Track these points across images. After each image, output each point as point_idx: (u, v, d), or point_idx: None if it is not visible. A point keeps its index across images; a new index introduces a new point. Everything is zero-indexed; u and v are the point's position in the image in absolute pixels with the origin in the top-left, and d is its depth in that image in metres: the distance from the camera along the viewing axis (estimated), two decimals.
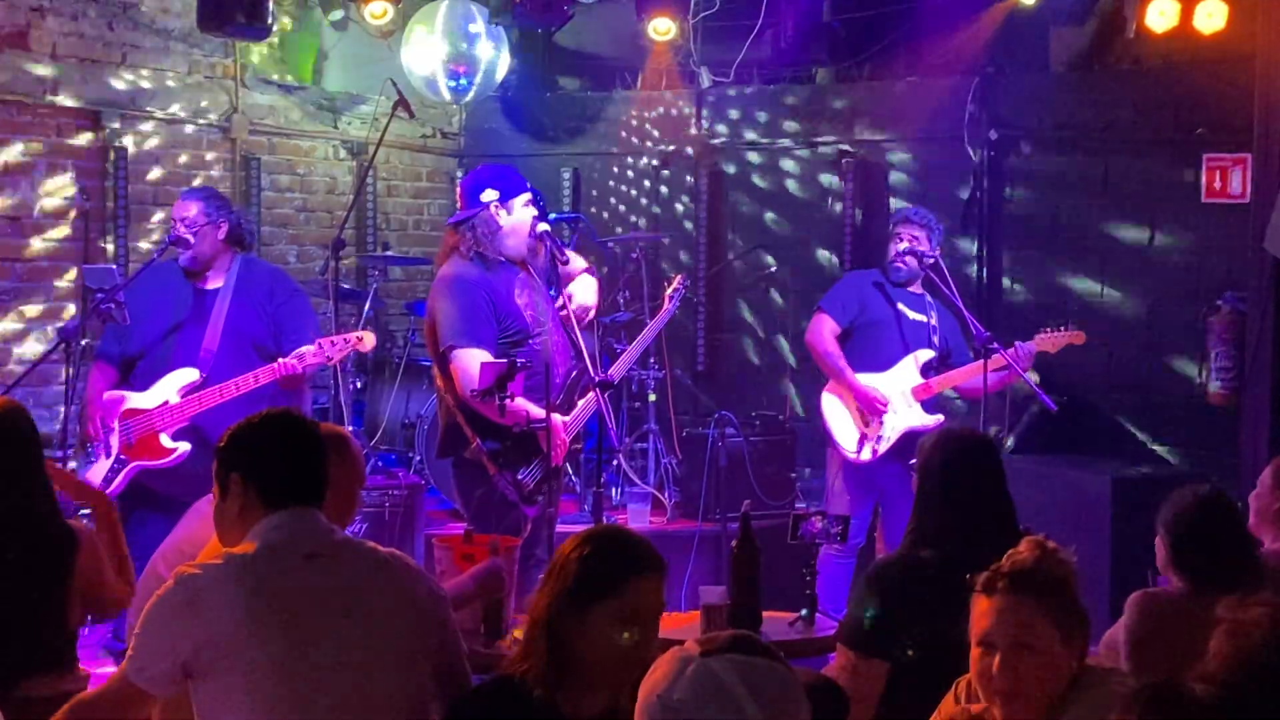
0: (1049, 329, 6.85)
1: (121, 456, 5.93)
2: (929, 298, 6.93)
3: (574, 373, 5.63)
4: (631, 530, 3.18)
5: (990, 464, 4.20)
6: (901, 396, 6.69)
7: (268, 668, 2.99)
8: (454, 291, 5.51)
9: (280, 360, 5.84)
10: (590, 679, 2.91)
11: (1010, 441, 7.86)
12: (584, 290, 5.86)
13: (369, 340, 6.11)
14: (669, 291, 6.30)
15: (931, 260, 6.80)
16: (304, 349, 5.88)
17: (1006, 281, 8.41)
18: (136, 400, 5.95)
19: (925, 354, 6.79)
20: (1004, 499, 4.14)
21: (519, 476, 5.44)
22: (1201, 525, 4.12)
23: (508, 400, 5.23)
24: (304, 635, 3.04)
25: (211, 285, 6.09)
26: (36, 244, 7.52)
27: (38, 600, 4.05)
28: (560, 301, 5.65)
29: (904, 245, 6.80)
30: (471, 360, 5.32)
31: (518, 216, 5.60)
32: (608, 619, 2.87)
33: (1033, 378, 7.06)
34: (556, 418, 5.34)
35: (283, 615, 3.04)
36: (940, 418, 6.76)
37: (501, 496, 5.45)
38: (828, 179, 8.98)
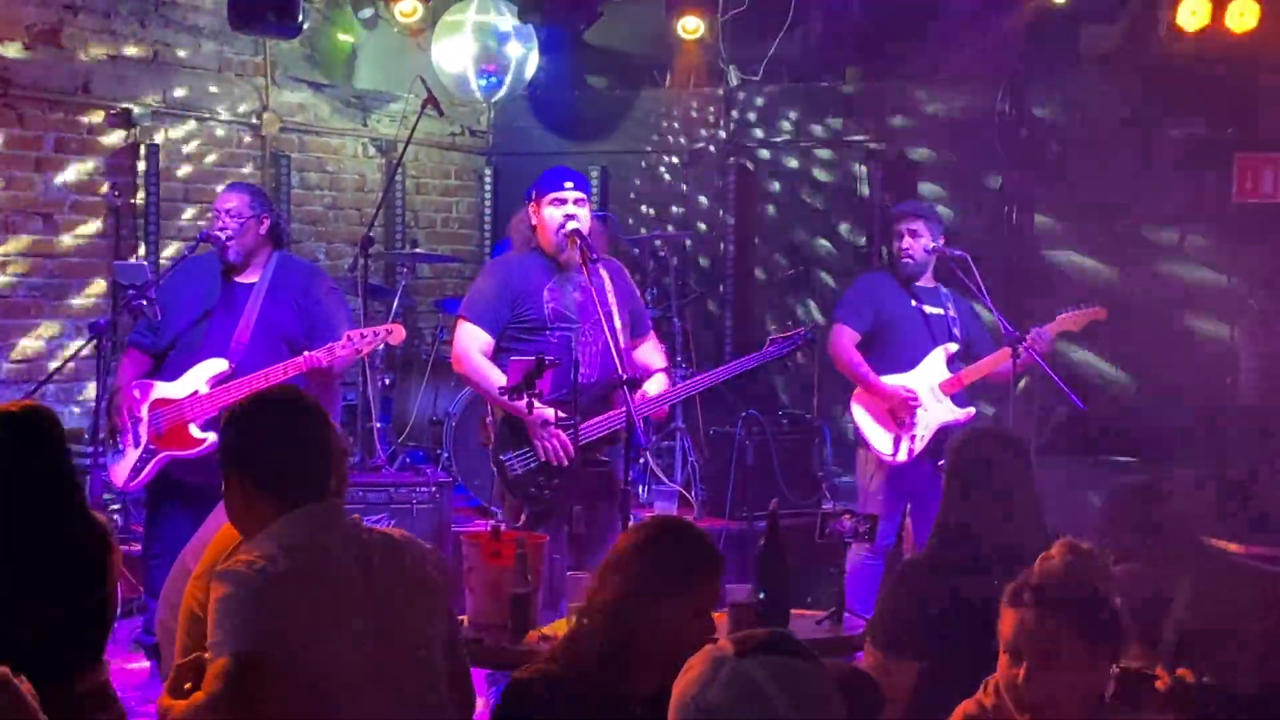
0: (1069, 308, 6.81)
1: (150, 446, 5.95)
2: (943, 289, 6.88)
3: (608, 378, 5.59)
4: (693, 524, 3.22)
5: (1018, 462, 4.19)
6: (930, 392, 6.65)
7: (309, 673, 2.97)
8: (484, 270, 6.05)
9: (308, 353, 5.85)
10: (646, 663, 2.98)
11: (1038, 442, 7.84)
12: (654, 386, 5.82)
13: (399, 333, 6.12)
14: (779, 334, 6.05)
15: (959, 255, 6.77)
16: (334, 342, 5.90)
17: (1036, 279, 8.38)
18: (165, 390, 5.97)
19: (950, 347, 6.75)
20: (1031, 498, 4.13)
21: (502, 457, 5.52)
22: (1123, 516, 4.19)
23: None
24: (343, 636, 3.02)
25: (247, 279, 6.11)
26: (68, 240, 7.56)
27: (83, 599, 3.96)
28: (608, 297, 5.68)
29: (906, 242, 6.77)
30: (463, 333, 5.71)
31: (544, 215, 5.68)
32: (675, 611, 2.99)
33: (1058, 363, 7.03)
34: (548, 411, 5.36)
35: (318, 621, 3.01)
36: (971, 410, 6.72)
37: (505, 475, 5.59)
38: (856, 177, 8.97)
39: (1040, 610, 2.93)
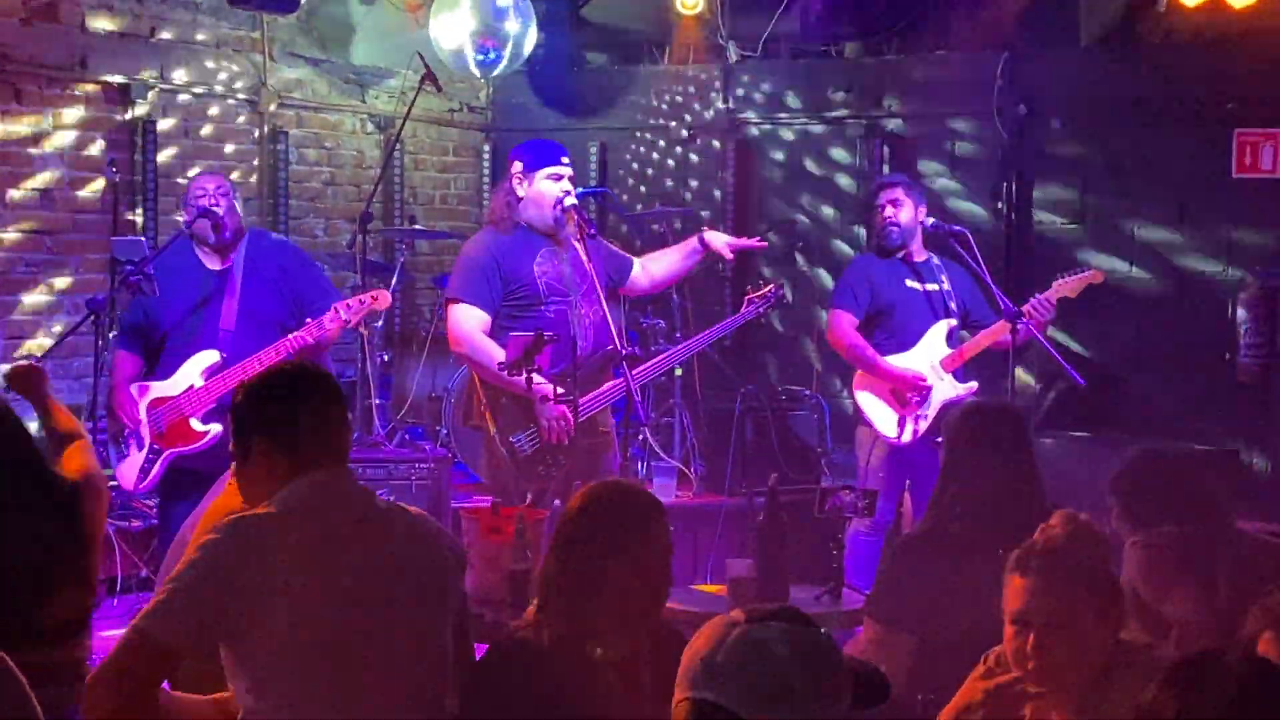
0: (1065, 274, 6.80)
1: (155, 446, 5.94)
2: (934, 259, 6.86)
3: (604, 350, 5.60)
4: (629, 482, 3.23)
5: (1017, 436, 4.19)
6: (932, 370, 6.64)
7: (311, 629, 2.93)
8: (466, 250, 5.83)
9: (295, 333, 5.86)
10: (609, 626, 3.02)
11: (1037, 417, 7.84)
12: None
13: (384, 299, 6.14)
14: (754, 294, 6.13)
15: (959, 231, 6.76)
16: (322, 317, 5.91)
17: (1035, 256, 8.37)
18: (161, 389, 5.96)
19: (949, 323, 6.73)
20: (1030, 471, 4.13)
21: (512, 439, 5.48)
22: (1149, 480, 4.26)
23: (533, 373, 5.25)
24: (353, 601, 2.98)
25: (222, 266, 6.10)
26: (65, 216, 7.55)
27: (50, 563, 3.67)
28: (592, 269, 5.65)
29: (888, 211, 6.74)
30: (460, 315, 5.60)
31: (538, 188, 5.65)
32: (619, 572, 3.01)
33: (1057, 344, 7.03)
34: (548, 387, 5.35)
35: (332, 580, 2.97)
36: (974, 385, 6.71)
37: (502, 457, 5.56)
38: (855, 154, 8.96)
39: (1048, 576, 2.94)
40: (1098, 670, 2.94)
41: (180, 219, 6.33)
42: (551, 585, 3.07)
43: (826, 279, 8.81)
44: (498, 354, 5.44)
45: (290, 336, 5.82)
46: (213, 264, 6.10)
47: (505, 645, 3.09)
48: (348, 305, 5.96)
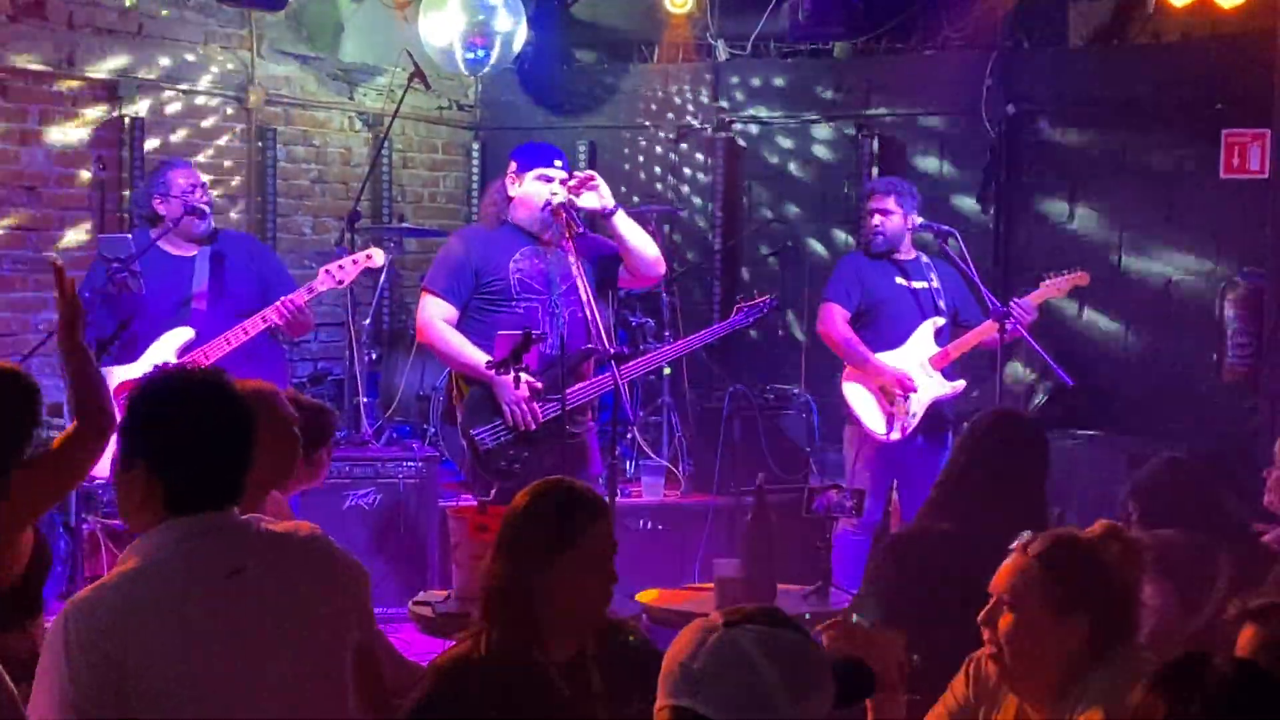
0: (1051, 275, 6.83)
1: None
2: (923, 258, 6.88)
3: (580, 349, 5.61)
4: (571, 480, 3.19)
5: (1036, 453, 4.21)
6: (920, 368, 6.65)
7: (197, 691, 2.68)
8: (448, 243, 6.03)
9: (286, 297, 5.91)
10: (555, 628, 2.98)
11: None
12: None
13: (378, 257, 6.18)
14: (745, 304, 6.17)
15: (947, 230, 6.78)
16: (311, 282, 6.00)
17: (1023, 256, 8.38)
18: (126, 372, 5.90)
19: (937, 321, 6.75)
20: (1039, 490, 4.13)
21: (473, 431, 5.52)
22: (1169, 487, 4.39)
23: (520, 371, 5.28)
24: (232, 653, 2.73)
25: (185, 252, 6.19)
26: (52, 213, 7.53)
27: None
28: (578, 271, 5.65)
29: (876, 219, 6.77)
30: (426, 305, 5.73)
31: (527, 189, 5.72)
32: (565, 570, 2.95)
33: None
34: (524, 378, 5.37)
35: (207, 638, 2.70)
36: (962, 383, 6.73)
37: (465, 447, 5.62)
38: (844, 153, 8.96)
39: (1023, 559, 2.96)
40: (1076, 670, 2.93)
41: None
42: (493, 587, 3.02)
43: (815, 278, 8.80)
44: (454, 340, 5.61)
45: (279, 301, 5.87)
46: (180, 251, 6.15)
47: (445, 664, 3.03)
48: (340, 265, 6.03)
